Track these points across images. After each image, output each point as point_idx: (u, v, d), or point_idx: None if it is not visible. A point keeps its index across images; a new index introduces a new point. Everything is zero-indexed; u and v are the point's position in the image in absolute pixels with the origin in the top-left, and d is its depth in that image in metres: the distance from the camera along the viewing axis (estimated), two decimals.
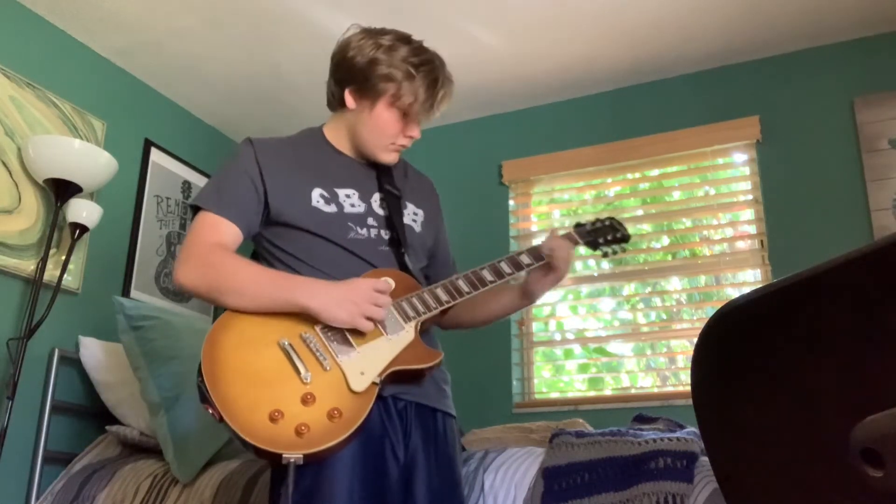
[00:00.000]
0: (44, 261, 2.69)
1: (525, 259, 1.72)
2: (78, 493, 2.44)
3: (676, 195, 3.40)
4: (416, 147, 1.78)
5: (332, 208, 1.62)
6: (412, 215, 1.76)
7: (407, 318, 1.54)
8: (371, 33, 1.71)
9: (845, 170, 2.97)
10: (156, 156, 3.42)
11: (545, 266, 1.74)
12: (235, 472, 2.28)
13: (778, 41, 3.13)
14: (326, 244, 1.60)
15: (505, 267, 1.68)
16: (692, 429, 2.00)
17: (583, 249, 1.98)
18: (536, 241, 3.50)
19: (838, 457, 0.64)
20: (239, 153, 1.66)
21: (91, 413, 2.86)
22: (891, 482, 0.57)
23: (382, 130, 1.66)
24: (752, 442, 0.78)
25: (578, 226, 1.88)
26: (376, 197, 1.70)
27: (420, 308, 1.55)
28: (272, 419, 1.33)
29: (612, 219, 1.90)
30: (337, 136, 1.73)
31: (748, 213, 3.19)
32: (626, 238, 1.89)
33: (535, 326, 3.44)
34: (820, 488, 0.73)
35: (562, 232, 1.84)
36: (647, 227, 3.38)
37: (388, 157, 1.71)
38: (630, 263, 3.44)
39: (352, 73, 1.66)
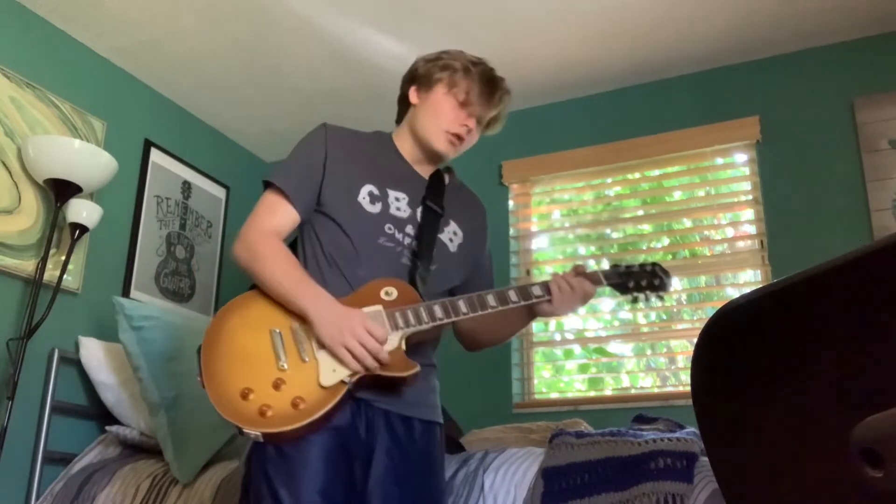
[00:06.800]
0: (44, 261, 2.69)
1: (536, 291, 1.68)
2: (78, 493, 2.44)
3: (676, 195, 3.40)
4: None
5: (376, 208, 1.68)
6: (450, 234, 1.78)
7: (395, 328, 1.57)
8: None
9: (845, 170, 2.97)
10: (156, 156, 3.42)
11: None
12: (235, 472, 2.28)
13: (778, 41, 3.13)
14: (351, 247, 1.65)
15: (512, 295, 1.66)
16: (692, 429, 2.00)
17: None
18: (536, 241, 3.53)
19: (838, 457, 0.64)
20: (311, 136, 1.76)
21: (91, 413, 2.86)
22: (891, 482, 0.57)
23: (437, 114, 1.74)
24: (753, 442, 0.78)
25: (615, 266, 1.77)
26: (422, 208, 1.75)
27: (411, 320, 1.58)
28: (243, 396, 1.47)
29: (656, 265, 1.76)
30: (401, 141, 1.81)
31: (748, 213, 3.19)
32: (664, 287, 1.75)
33: (535, 326, 3.44)
34: (820, 488, 0.72)
35: (589, 269, 1.75)
36: (647, 228, 3.38)
37: (443, 146, 1.74)
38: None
39: (416, 74, 1.81)
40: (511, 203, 3.55)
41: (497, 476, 1.97)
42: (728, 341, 0.77)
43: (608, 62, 3.27)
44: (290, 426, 1.44)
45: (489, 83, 1.76)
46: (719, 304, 0.98)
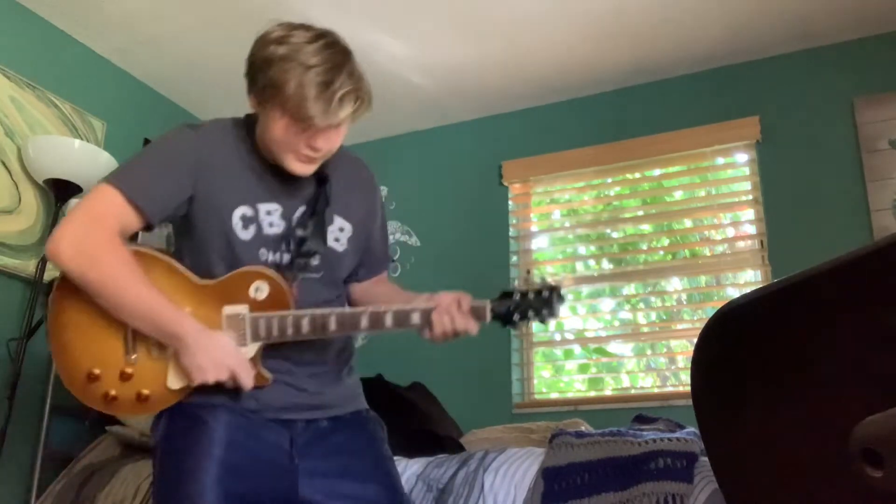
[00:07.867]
0: (44, 261, 2.69)
1: (415, 318, 1.51)
2: (78, 493, 2.44)
3: (677, 195, 3.40)
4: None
5: (248, 233, 1.51)
6: (336, 232, 1.62)
7: (256, 337, 1.48)
8: (284, 27, 1.52)
9: (845, 170, 2.97)
10: None
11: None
12: None
13: (778, 41, 3.13)
14: (221, 264, 1.52)
15: (387, 319, 1.50)
16: (692, 429, 2.00)
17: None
18: (536, 241, 3.53)
19: (838, 457, 0.64)
20: (176, 142, 1.53)
21: (91, 413, 2.85)
22: (891, 482, 0.57)
23: (279, 138, 1.47)
24: (752, 441, 0.78)
25: (505, 295, 1.55)
26: (300, 211, 1.56)
27: (274, 332, 1.47)
28: (89, 378, 1.49)
29: (554, 290, 1.56)
30: (260, 141, 1.58)
31: (748, 213, 3.19)
32: (552, 315, 1.59)
33: (535, 327, 3.44)
34: (820, 488, 0.73)
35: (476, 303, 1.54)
36: (647, 228, 3.38)
37: (297, 168, 1.50)
38: (630, 264, 3.44)
39: (251, 74, 1.53)
40: (511, 203, 3.55)
41: (497, 476, 1.97)
42: (728, 341, 0.77)
43: (608, 62, 3.27)
44: (134, 417, 1.49)
45: (324, 88, 1.41)
46: (719, 304, 0.98)
